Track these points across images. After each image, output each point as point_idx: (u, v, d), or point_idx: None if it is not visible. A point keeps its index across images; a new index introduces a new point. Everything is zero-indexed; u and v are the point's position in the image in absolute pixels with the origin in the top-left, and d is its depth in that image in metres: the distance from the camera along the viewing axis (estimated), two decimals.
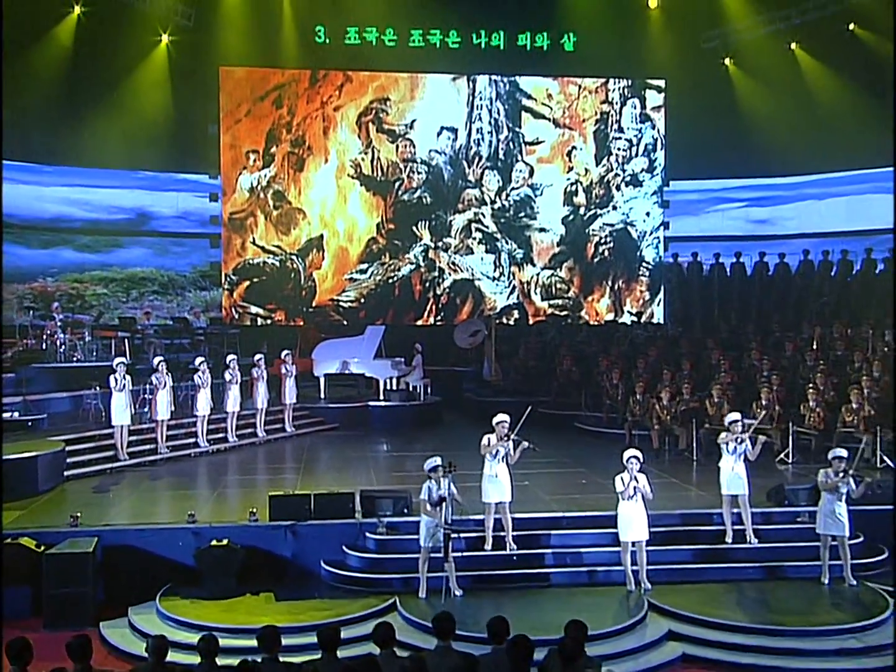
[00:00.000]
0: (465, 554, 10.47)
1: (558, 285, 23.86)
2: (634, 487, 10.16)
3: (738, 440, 10.83)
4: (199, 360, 15.68)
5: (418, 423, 18.63)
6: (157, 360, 15.14)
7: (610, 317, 23.95)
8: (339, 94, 22.92)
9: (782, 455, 14.30)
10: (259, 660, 6.62)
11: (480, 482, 10.67)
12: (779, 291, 22.43)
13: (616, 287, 24.08)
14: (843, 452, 10.38)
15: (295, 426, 17.60)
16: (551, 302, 23.85)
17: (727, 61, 23.35)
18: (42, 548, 10.21)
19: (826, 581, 10.31)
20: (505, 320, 23.37)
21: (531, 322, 23.52)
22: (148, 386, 15.05)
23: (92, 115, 20.36)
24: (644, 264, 24.15)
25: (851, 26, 20.87)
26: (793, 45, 22.24)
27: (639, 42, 22.79)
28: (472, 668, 6.47)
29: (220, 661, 6.62)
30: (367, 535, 10.94)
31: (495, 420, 10.55)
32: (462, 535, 10.45)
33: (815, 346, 17.94)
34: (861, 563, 10.68)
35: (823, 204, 24.33)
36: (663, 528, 11.10)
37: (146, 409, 15.13)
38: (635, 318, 23.69)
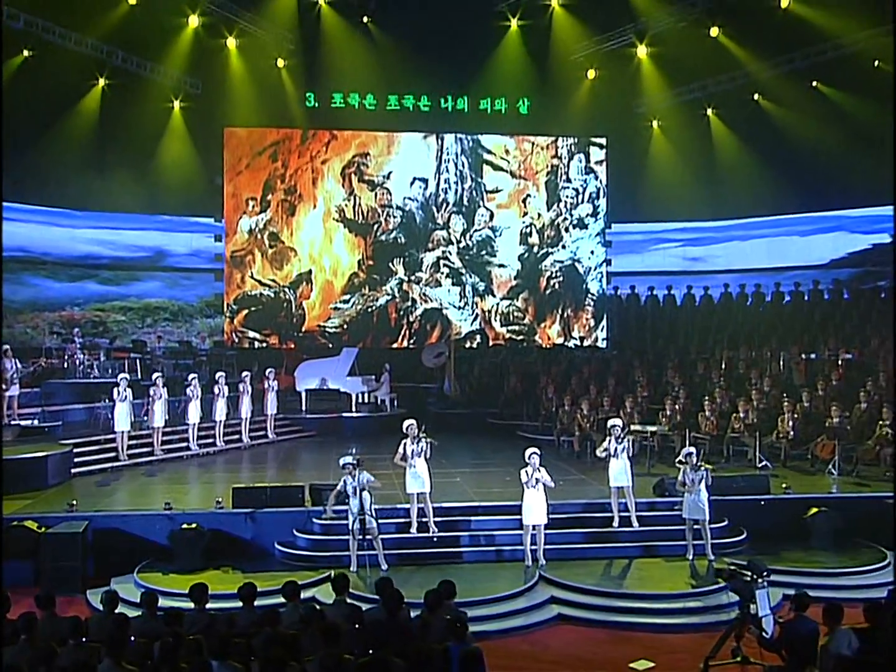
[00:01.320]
0: (393, 536, 11.19)
1: (515, 313, 24.43)
2: (536, 479, 10.85)
3: (619, 441, 11.55)
4: (191, 376, 16.31)
5: (384, 431, 18.78)
6: (154, 375, 15.83)
7: (560, 341, 24.51)
8: (326, 149, 23.66)
9: (681, 456, 14.90)
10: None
11: (405, 477, 11.40)
12: (702, 319, 23.08)
13: (565, 315, 24.63)
14: (693, 449, 11.12)
15: (277, 433, 18.16)
16: (509, 328, 24.40)
17: (654, 123, 24.17)
18: (42, 529, 10.88)
19: (690, 557, 10.98)
20: (468, 343, 24.05)
21: (490, 345, 24.17)
22: (148, 398, 15.71)
23: (118, 168, 21.10)
24: (589, 296, 24.72)
25: (756, 96, 21.74)
26: (708, 111, 23.07)
27: (583, 106, 23.46)
28: (357, 616, 7.28)
29: None
30: (314, 520, 11.60)
31: (405, 424, 11.33)
32: (385, 519, 11.12)
33: (723, 366, 18.64)
34: (724, 542, 11.37)
35: (748, 244, 25.01)
36: (565, 515, 11.75)
37: (145, 418, 15.82)
38: (578, 343, 24.36)
